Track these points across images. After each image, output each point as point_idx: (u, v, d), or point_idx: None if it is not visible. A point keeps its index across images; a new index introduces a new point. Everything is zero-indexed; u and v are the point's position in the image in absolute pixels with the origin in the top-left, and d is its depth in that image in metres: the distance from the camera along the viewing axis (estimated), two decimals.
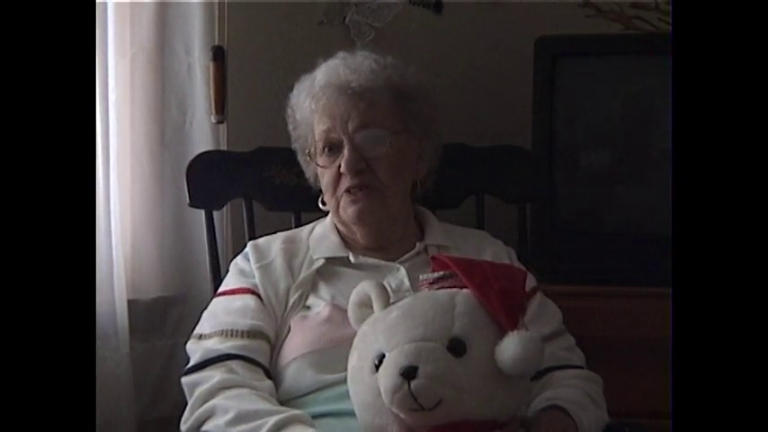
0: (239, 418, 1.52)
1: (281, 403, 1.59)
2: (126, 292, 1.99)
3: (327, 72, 1.75)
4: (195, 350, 1.66)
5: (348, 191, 1.72)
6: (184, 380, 1.63)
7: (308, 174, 1.83)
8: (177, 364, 1.98)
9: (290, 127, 1.83)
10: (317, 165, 1.76)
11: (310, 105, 1.75)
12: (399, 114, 1.74)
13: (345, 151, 1.70)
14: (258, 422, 1.50)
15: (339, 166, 1.71)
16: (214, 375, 1.59)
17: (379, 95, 1.73)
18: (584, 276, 2.04)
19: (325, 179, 1.75)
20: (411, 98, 1.76)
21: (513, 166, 2.00)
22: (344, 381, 1.50)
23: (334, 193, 1.74)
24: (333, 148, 1.73)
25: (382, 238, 1.76)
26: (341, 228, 1.79)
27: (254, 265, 1.73)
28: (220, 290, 1.76)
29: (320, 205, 1.81)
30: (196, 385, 1.60)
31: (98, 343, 1.86)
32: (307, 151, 1.78)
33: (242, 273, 1.75)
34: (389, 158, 1.72)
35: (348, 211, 1.73)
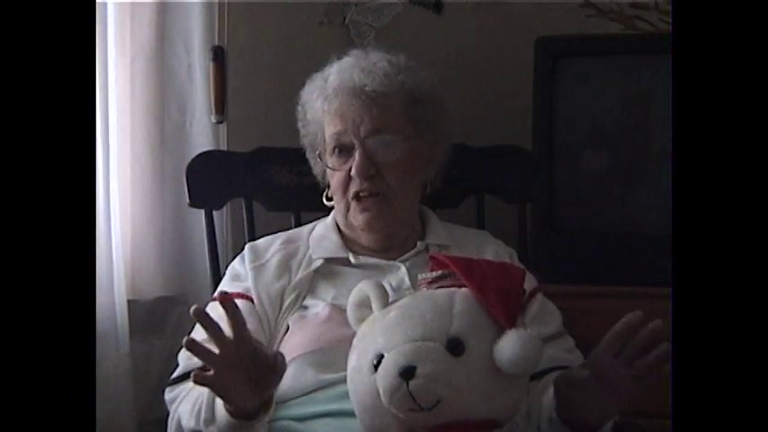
0: (194, 408, 1.53)
1: (281, 403, 1.59)
2: (126, 293, 1.99)
3: (341, 73, 1.73)
4: (181, 359, 1.66)
5: (357, 197, 1.71)
6: (167, 396, 1.64)
7: (316, 170, 1.82)
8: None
9: (300, 124, 1.81)
10: (327, 166, 1.75)
11: (322, 106, 1.74)
12: (411, 119, 1.74)
13: (357, 155, 1.69)
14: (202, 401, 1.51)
15: (349, 169, 1.71)
16: (189, 386, 1.59)
17: (393, 100, 1.71)
18: (585, 276, 2.04)
19: (335, 181, 1.74)
20: (424, 103, 1.75)
21: (513, 166, 2.00)
22: (345, 380, 1.49)
23: (344, 195, 1.73)
24: (343, 150, 1.72)
25: (389, 241, 1.76)
26: (345, 229, 1.79)
27: (248, 266, 1.73)
28: (215, 294, 1.76)
29: (325, 201, 1.81)
30: (173, 401, 1.62)
31: (98, 343, 1.86)
32: (317, 152, 1.78)
33: (235, 277, 1.75)
34: (400, 164, 1.72)
35: (358, 218, 1.73)
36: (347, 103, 1.70)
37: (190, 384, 1.60)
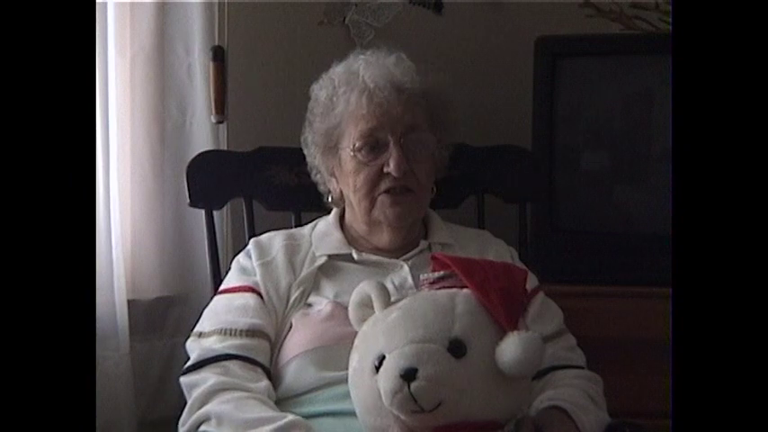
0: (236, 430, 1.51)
1: (282, 401, 1.60)
2: (126, 292, 1.99)
3: (376, 68, 1.73)
4: (193, 348, 1.66)
5: (388, 192, 1.72)
6: (183, 380, 1.63)
7: (322, 168, 1.81)
8: (177, 364, 1.98)
9: (317, 119, 1.78)
10: (360, 161, 1.72)
11: (359, 100, 1.71)
12: (432, 119, 1.76)
13: (394, 152, 1.70)
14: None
15: (380, 166, 1.71)
16: (210, 377, 1.59)
17: (423, 99, 1.74)
18: (585, 276, 2.04)
19: (362, 177, 1.72)
20: (441, 104, 1.78)
21: (513, 166, 2.01)
22: (346, 379, 1.50)
23: (370, 192, 1.73)
24: (375, 147, 1.71)
25: (404, 240, 1.77)
26: (358, 227, 1.78)
27: (255, 263, 1.73)
28: (222, 287, 1.76)
29: (328, 202, 1.81)
30: (193, 387, 1.60)
31: (98, 343, 1.86)
32: (332, 144, 1.76)
33: (243, 270, 1.74)
34: (428, 162, 1.74)
35: (388, 212, 1.72)
36: (389, 98, 1.70)
37: (209, 379, 1.58)
